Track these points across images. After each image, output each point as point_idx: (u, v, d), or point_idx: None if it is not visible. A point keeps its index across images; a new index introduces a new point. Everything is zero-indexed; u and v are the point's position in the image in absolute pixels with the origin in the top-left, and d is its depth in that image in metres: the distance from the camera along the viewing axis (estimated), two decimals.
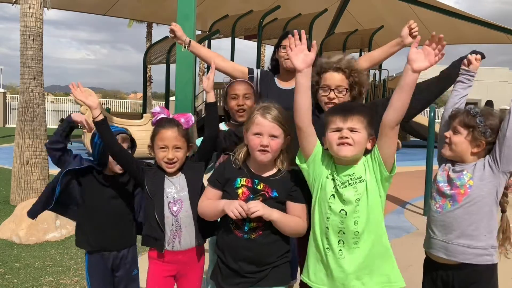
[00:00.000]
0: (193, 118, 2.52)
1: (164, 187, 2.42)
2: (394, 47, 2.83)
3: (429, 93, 2.61)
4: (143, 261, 2.71)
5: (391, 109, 1.93)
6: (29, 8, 6.45)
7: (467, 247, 2.24)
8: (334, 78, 2.39)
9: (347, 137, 2.00)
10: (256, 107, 2.24)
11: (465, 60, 2.52)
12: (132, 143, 2.71)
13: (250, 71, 3.22)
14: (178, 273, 2.49)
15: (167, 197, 2.41)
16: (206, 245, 3.03)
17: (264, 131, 2.13)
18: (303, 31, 2.07)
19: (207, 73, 2.81)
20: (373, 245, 2.01)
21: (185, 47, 3.16)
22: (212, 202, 2.22)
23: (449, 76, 2.57)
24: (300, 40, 2.04)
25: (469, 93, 2.56)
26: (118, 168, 2.60)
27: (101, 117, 2.34)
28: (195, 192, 2.43)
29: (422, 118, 15.98)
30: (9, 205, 6.46)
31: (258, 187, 2.16)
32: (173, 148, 2.41)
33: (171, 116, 2.54)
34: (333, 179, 2.05)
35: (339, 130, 2.02)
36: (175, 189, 2.44)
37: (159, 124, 2.47)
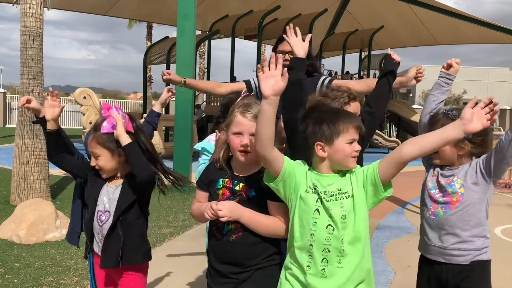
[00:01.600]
0: (117, 122, 2.26)
1: (100, 193, 2.36)
2: (396, 84, 2.71)
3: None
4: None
5: (418, 149, 1.84)
6: (29, 8, 6.45)
7: (463, 251, 2.25)
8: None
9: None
10: (236, 104, 2.14)
11: (445, 64, 2.49)
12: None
13: (247, 83, 3.29)
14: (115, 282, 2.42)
15: (98, 205, 2.35)
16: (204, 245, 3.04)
17: (244, 130, 2.01)
18: (280, 56, 1.90)
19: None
20: (356, 265, 1.91)
21: (181, 86, 3.47)
22: (200, 205, 2.16)
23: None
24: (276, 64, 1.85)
25: (446, 98, 2.54)
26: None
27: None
28: (123, 207, 2.30)
29: None
30: (9, 205, 6.46)
31: (237, 188, 2.08)
32: (94, 156, 2.32)
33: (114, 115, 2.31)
34: (316, 192, 1.90)
35: (353, 141, 1.92)
36: (106, 198, 2.34)
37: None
